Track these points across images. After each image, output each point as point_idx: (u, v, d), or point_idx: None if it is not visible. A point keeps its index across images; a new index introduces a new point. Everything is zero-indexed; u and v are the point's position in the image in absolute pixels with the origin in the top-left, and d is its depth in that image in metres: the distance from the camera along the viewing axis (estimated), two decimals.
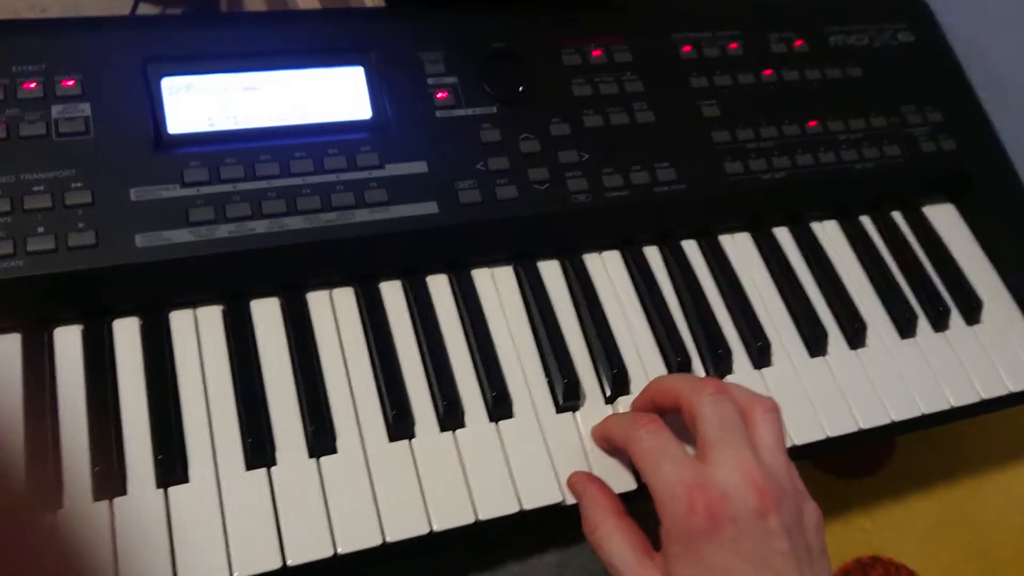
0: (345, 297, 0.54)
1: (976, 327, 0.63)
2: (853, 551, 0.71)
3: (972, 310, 0.63)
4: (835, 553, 0.72)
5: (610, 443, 0.51)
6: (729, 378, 0.56)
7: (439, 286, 0.56)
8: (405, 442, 0.50)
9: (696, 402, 0.46)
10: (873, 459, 0.74)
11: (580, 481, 0.50)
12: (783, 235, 0.64)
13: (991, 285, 0.66)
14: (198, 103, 0.54)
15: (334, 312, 0.53)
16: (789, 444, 0.55)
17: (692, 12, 0.67)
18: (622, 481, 0.51)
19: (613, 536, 0.46)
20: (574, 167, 0.58)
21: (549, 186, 0.57)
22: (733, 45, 0.67)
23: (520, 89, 0.60)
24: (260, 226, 0.51)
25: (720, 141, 0.62)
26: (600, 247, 0.60)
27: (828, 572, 0.44)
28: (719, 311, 0.59)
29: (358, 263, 0.54)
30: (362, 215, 0.53)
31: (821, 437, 0.56)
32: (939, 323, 0.62)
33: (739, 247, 0.63)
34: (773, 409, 0.47)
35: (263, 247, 0.51)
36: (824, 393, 0.57)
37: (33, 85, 0.51)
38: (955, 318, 0.63)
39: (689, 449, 0.46)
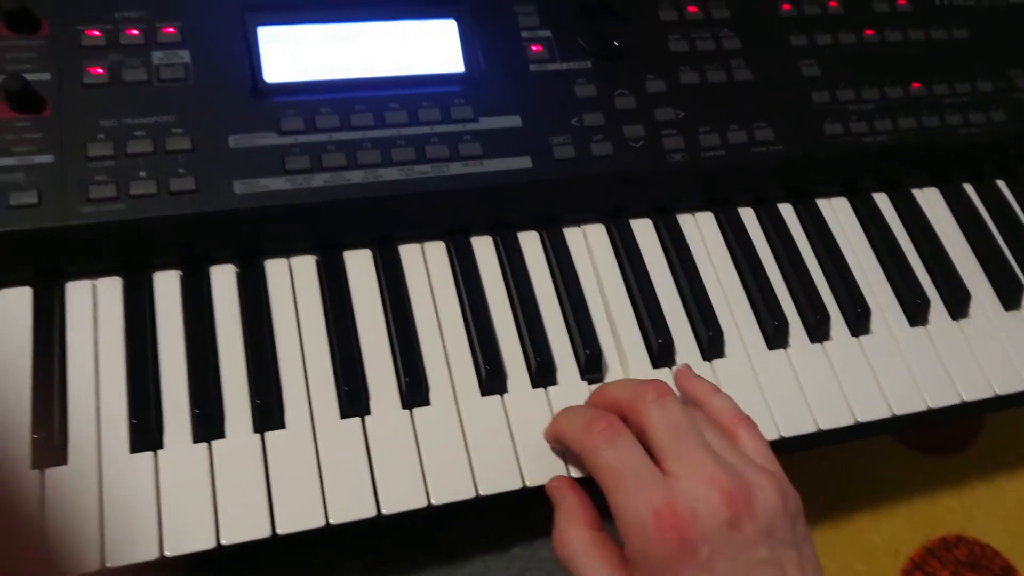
0: (437, 251, 0.54)
1: None
2: (938, 529, 0.70)
3: None
4: (919, 530, 0.70)
5: (562, 446, 0.47)
6: (827, 344, 0.55)
7: (530, 242, 0.55)
8: (497, 397, 0.49)
9: (641, 411, 0.42)
10: (961, 436, 0.72)
11: (559, 488, 0.46)
12: (882, 200, 0.62)
13: None
14: (294, 52, 0.54)
15: (426, 265, 0.53)
16: (888, 414, 0.53)
17: None
18: None
19: (586, 552, 0.43)
20: (670, 125, 0.57)
21: (644, 143, 0.56)
22: (834, 3, 0.64)
23: (615, 44, 0.58)
24: (355, 176, 0.51)
25: (820, 102, 0.60)
26: (693, 207, 0.58)
27: (814, 557, 0.42)
28: (816, 276, 0.57)
29: (451, 216, 0.54)
30: (456, 168, 0.53)
31: (922, 408, 0.54)
32: None
33: (836, 211, 0.61)
34: (716, 390, 0.45)
35: (358, 197, 0.51)
36: (925, 365, 0.55)
37: (135, 32, 0.51)
38: None
39: None
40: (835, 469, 0.71)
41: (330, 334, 0.49)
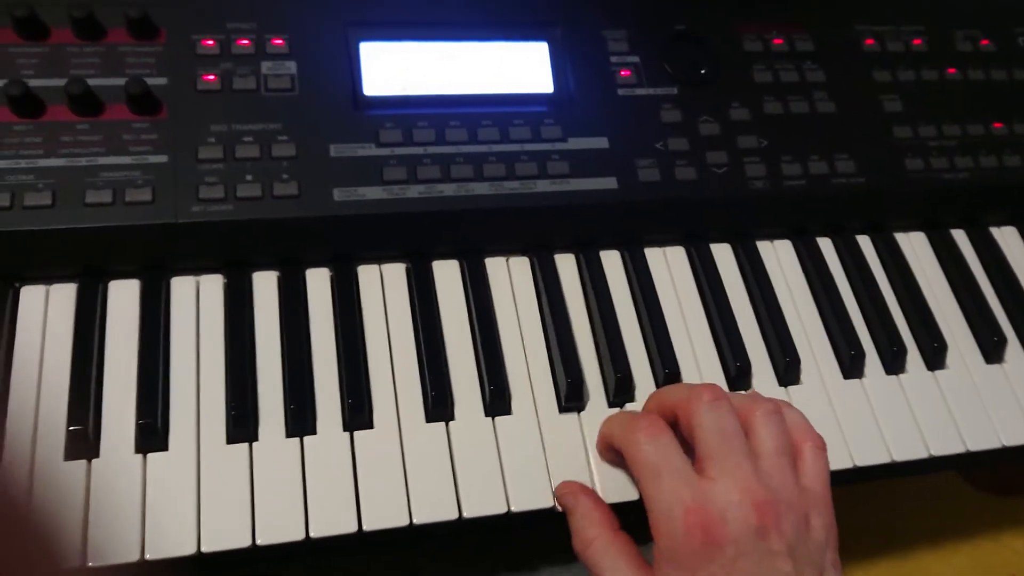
0: (521, 265, 0.55)
1: None
2: (1002, 570, 0.69)
3: None
4: (983, 571, 0.69)
5: (610, 447, 0.47)
6: (902, 377, 0.55)
7: (612, 261, 0.56)
8: (575, 414, 0.50)
9: (693, 411, 0.43)
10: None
11: (571, 492, 0.46)
12: (960, 237, 0.62)
13: None
14: (393, 67, 0.56)
15: (510, 278, 0.54)
16: (963, 450, 0.53)
17: (875, 5, 0.66)
18: None
19: (607, 552, 0.43)
20: (752, 152, 0.58)
21: (727, 170, 0.57)
22: (917, 41, 0.65)
23: (702, 72, 0.59)
24: (448, 189, 0.53)
25: (901, 136, 0.61)
26: (773, 235, 0.59)
27: None
28: (893, 309, 0.58)
29: (536, 232, 0.55)
30: (543, 185, 0.54)
31: (996, 446, 0.54)
32: None
33: (914, 245, 0.61)
34: (774, 412, 0.44)
35: (449, 209, 0.52)
36: (1000, 402, 0.55)
37: (246, 42, 0.54)
38: None
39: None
40: (899, 504, 0.71)
41: (418, 340, 0.51)
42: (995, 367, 0.57)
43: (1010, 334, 0.58)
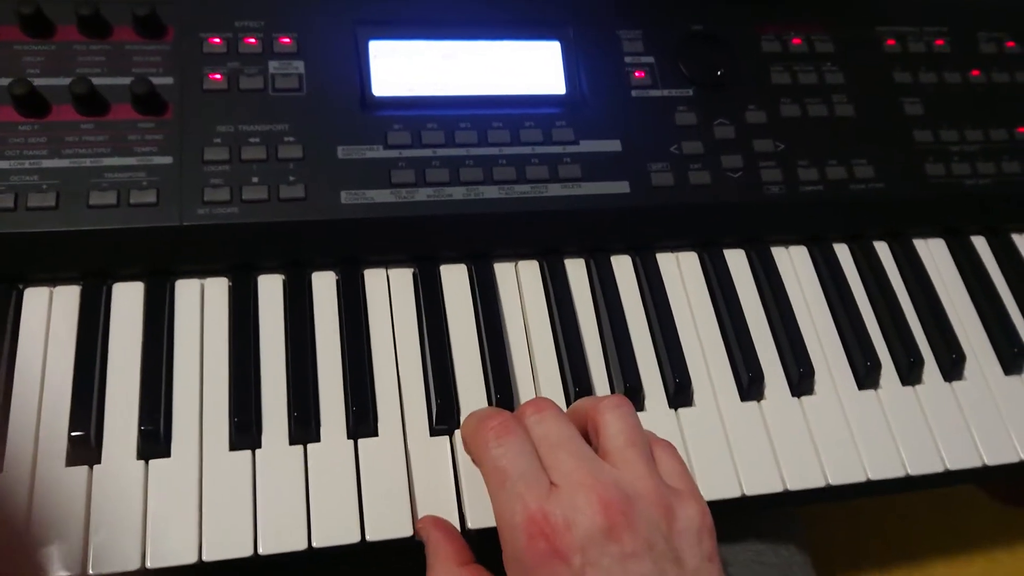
0: (531, 270, 0.54)
1: None
2: None
3: None
4: None
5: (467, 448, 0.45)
6: (918, 388, 0.54)
7: (623, 266, 0.55)
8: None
9: (528, 427, 0.41)
10: None
11: (424, 527, 0.44)
12: (980, 244, 0.61)
13: None
14: (402, 67, 0.55)
15: (519, 284, 0.54)
16: (980, 464, 0.52)
17: (896, 4, 0.64)
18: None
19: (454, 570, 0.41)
20: (769, 156, 0.57)
21: (742, 174, 0.56)
22: (939, 42, 0.63)
23: (718, 73, 0.58)
24: (457, 192, 0.52)
25: (922, 141, 0.59)
26: (788, 241, 0.58)
27: (710, 569, 0.39)
28: (911, 318, 0.56)
29: (547, 237, 0.54)
30: (555, 189, 0.53)
31: (1015, 460, 0.53)
32: None
33: (933, 253, 0.60)
34: (619, 405, 0.42)
35: (459, 213, 0.52)
36: (1019, 413, 0.54)
37: (253, 41, 0.53)
38: None
39: None
40: (913, 513, 0.70)
41: (423, 347, 0.50)
42: (1014, 378, 0.56)
43: None
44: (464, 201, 0.52)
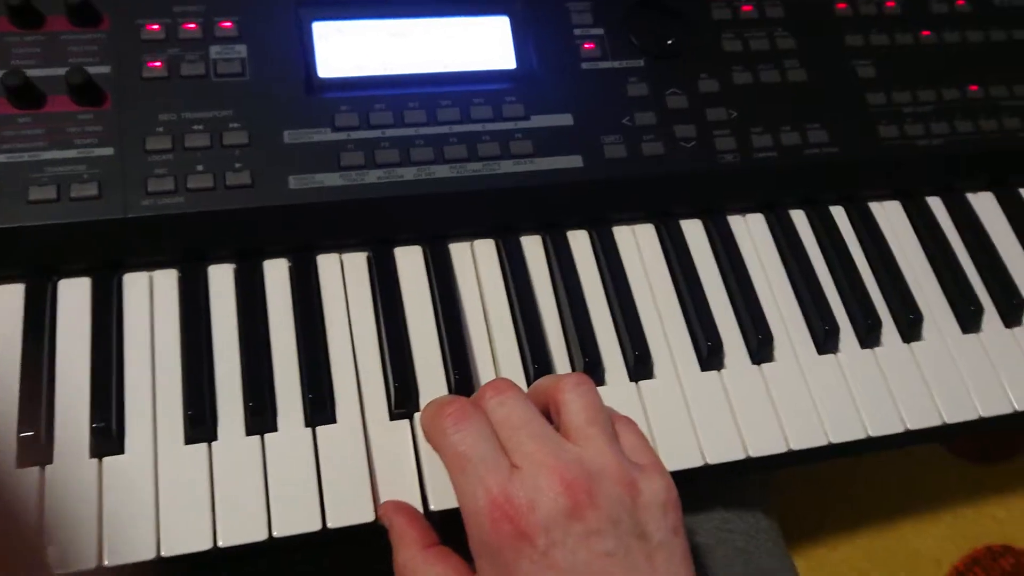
0: (487, 248, 0.54)
1: None
2: (983, 538, 0.69)
3: None
4: (964, 539, 0.69)
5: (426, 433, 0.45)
6: (877, 350, 0.54)
7: (580, 241, 0.55)
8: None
9: (485, 410, 0.42)
10: (1009, 445, 0.71)
11: (386, 513, 0.44)
12: (936, 204, 0.61)
13: None
14: (347, 48, 0.54)
15: (475, 263, 0.53)
16: (939, 422, 0.52)
17: None
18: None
19: (422, 571, 0.41)
20: (722, 125, 0.56)
21: (696, 144, 0.56)
22: (890, 3, 0.63)
23: (668, 42, 0.58)
24: (408, 173, 0.51)
25: (875, 104, 0.59)
26: (744, 209, 0.58)
27: (679, 554, 0.39)
28: (868, 281, 0.56)
29: (501, 214, 0.54)
30: (507, 166, 0.53)
31: (974, 417, 0.53)
32: None
33: (889, 215, 0.60)
34: (581, 383, 0.42)
35: (410, 194, 0.51)
36: (978, 372, 0.54)
37: (193, 26, 0.52)
38: None
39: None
40: (879, 474, 0.70)
41: (380, 330, 0.50)
42: (972, 337, 0.56)
43: (987, 303, 0.57)
44: (415, 181, 0.51)
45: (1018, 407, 0.54)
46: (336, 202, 0.50)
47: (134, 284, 0.49)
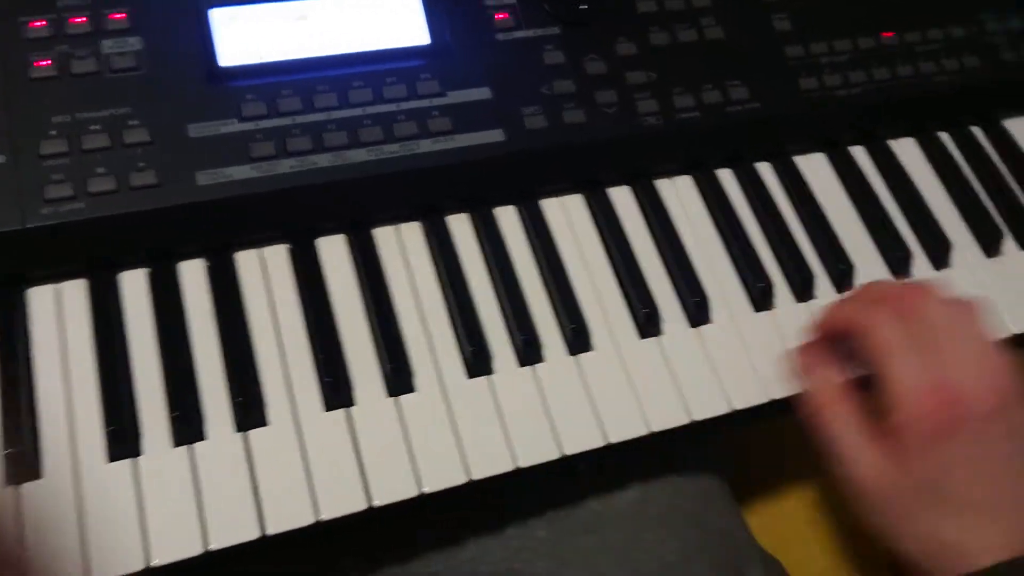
0: (413, 232, 0.52)
1: None
2: None
3: None
4: None
5: (834, 331, 0.49)
6: (812, 304, 0.54)
7: (508, 218, 0.54)
8: (484, 378, 0.48)
9: (919, 302, 0.46)
10: None
11: (811, 359, 0.49)
12: (859, 154, 0.61)
13: None
14: (249, 34, 0.52)
15: (402, 247, 0.52)
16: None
17: None
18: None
19: (844, 419, 0.46)
20: (642, 88, 0.55)
21: (617, 109, 0.55)
22: None
23: (582, 7, 0.56)
24: (322, 160, 0.49)
25: (793, 56, 0.59)
26: (672, 171, 0.57)
27: None
28: (798, 235, 0.56)
29: (424, 195, 0.52)
30: (426, 145, 0.51)
31: None
32: None
33: (814, 168, 0.60)
34: (980, 311, 0.47)
35: (327, 181, 0.49)
36: None
37: (81, 20, 0.49)
38: None
39: None
40: None
41: (308, 324, 0.48)
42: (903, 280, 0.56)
43: (915, 247, 0.58)
44: (331, 168, 0.49)
45: None
46: (249, 195, 0.48)
47: (39, 298, 0.46)
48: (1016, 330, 0.56)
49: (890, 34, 0.62)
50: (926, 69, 0.62)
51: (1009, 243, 0.59)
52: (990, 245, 0.59)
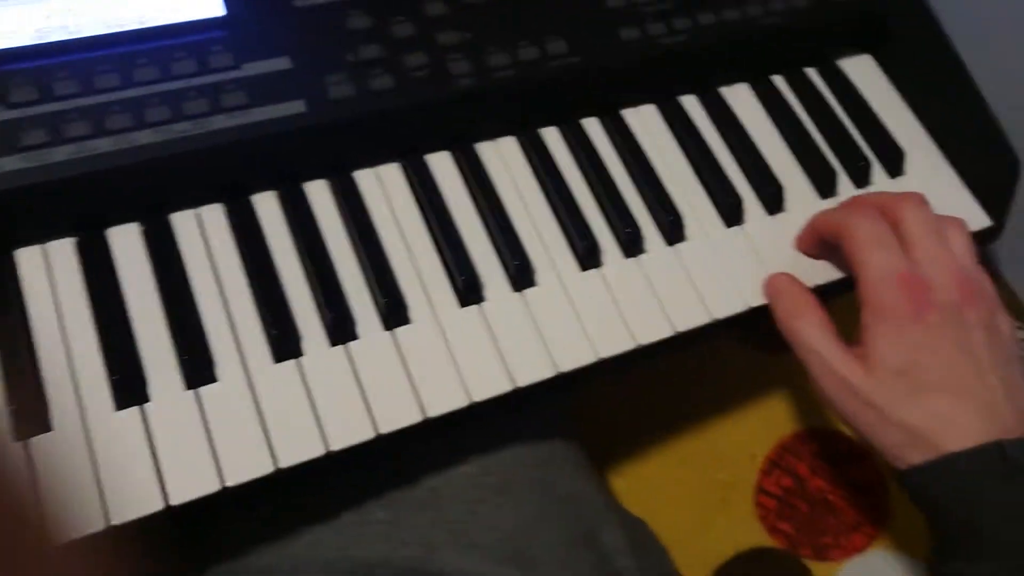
0: (214, 215, 0.49)
1: (900, 179, 0.60)
2: (791, 426, 0.70)
3: (894, 161, 0.60)
4: (773, 430, 0.70)
5: (819, 236, 0.53)
6: (642, 257, 0.53)
7: (319, 194, 0.51)
8: (292, 362, 0.46)
9: (896, 207, 0.49)
10: None
11: (781, 280, 0.52)
12: (691, 103, 0.60)
13: (913, 134, 0.62)
14: (17, 13, 0.48)
15: (203, 233, 0.49)
16: (709, 319, 0.52)
17: None
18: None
19: (819, 327, 0.49)
20: (455, 48, 0.53)
21: (429, 71, 0.52)
22: None
23: None
24: (104, 144, 0.46)
25: (613, 6, 0.57)
26: (494, 134, 0.55)
27: (1020, 377, 0.47)
28: (627, 190, 0.55)
29: (224, 175, 0.50)
30: (220, 121, 0.48)
31: (742, 308, 0.53)
32: (861, 178, 0.59)
33: (644, 120, 0.58)
34: (963, 225, 0.50)
35: (111, 167, 0.46)
36: (744, 262, 0.54)
37: None
38: (877, 172, 0.60)
39: None
40: (685, 382, 0.71)
41: (98, 324, 0.45)
42: (736, 230, 0.56)
43: (748, 194, 0.57)
44: (114, 152, 0.46)
45: None
46: (20, 188, 0.44)
47: None
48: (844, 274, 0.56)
49: None
50: (753, 12, 0.60)
51: (844, 182, 0.59)
52: (826, 186, 0.58)
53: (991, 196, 0.60)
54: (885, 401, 0.46)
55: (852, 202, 0.53)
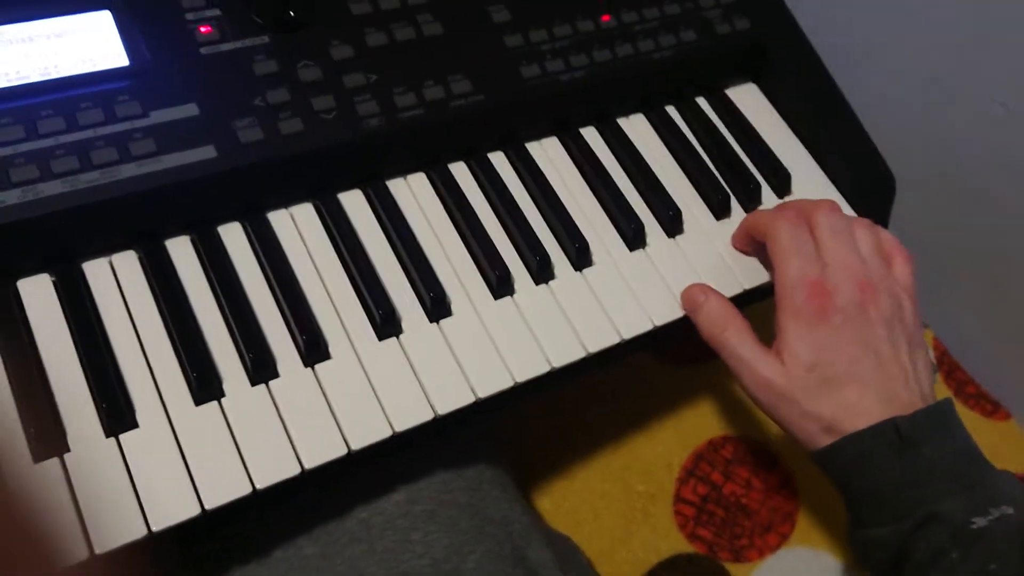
0: (126, 262, 0.50)
1: (788, 198, 0.65)
2: (705, 434, 0.73)
3: (781, 182, 0.64)
4: (688, 439, 0.73)
5: (750, 236, 0.58)
6: (552, 283, 0.55)
7: (233, 235, 0.52)
8: (214, 403, 0.47)
9: (811, 214, 0.54)
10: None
11: (702, 291, 0.56)
12: (591, 134, 0.63)
13: (797, 156, 0.67)
14: None
15: (116, 279, 0.49)
16: (619, 339, 0.55)
17: None
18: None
19: (742, 335, 0.53)
20: (362, 90, 0.55)
21: (337, 114, 0.54)
22: None
23: (291, 13, 0.55)
24: (10, 197, 0.46)
25: (513, 45, 0.60)
26: (404, 171, 0.57)
27: (925, 355, 0.53)
28: (535, 220, 0.58)
29: (135, 222, 0.50)
30: (129, 170, 0.49)
31: (650, 327, 0.56)
32: (751, 200, 0.63)
33: (548, 152, 0.61)
34: (871, 226, 0.56)
35: (19, 219, 0.46)
36: (648, 283, 0.57)
37: None
38: (767, 192, 0.64)
39: None
40: (602, 397, 0.73)
41: (7, 368, 0.45)
42: (639, 253, 0.59)
43: (648, 219, 0.60)
44: (20, 205, 0.46)
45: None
46: None
47: None
48: (748, 286, 0.59)
49: (607, 17, 0.64)
50: (645, 47, 0.64)
51: (735, 205, 0.63)
52: (720, 208, 0.62)
53: (872, 212, 0.65)
54: (801, 395, 0.51)
55: (779, 207, 0.58)
